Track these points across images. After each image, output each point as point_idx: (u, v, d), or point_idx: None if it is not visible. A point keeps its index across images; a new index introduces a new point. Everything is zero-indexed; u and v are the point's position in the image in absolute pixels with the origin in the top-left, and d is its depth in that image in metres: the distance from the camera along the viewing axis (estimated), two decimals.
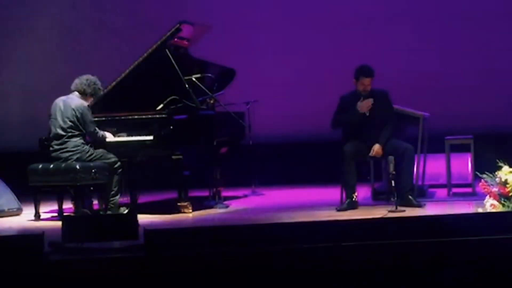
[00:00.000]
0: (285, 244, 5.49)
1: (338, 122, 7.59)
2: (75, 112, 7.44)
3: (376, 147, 7.39)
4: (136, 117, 7.69)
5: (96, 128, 7.51)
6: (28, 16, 10.54)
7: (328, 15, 10.34)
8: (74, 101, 7.52)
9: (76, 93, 7.58)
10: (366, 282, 5.26)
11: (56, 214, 7.69)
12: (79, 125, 7.45)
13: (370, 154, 7.40)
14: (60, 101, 7.57)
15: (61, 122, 7.48)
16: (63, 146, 7.45)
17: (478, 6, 10.12)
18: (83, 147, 7.46)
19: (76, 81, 7.60)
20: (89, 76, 7.61)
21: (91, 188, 7.50)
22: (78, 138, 7.46)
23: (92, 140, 7.54)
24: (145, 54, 7.85)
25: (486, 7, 10.11)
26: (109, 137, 7.62)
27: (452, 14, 10.20)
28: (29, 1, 10.54)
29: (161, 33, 7.88)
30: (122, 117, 7.74)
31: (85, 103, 7.53)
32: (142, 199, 8.20)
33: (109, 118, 7.76)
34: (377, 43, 10.14)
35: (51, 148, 7.51)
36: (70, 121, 7.45)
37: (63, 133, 7.46)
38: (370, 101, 7.43)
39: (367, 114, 7.48)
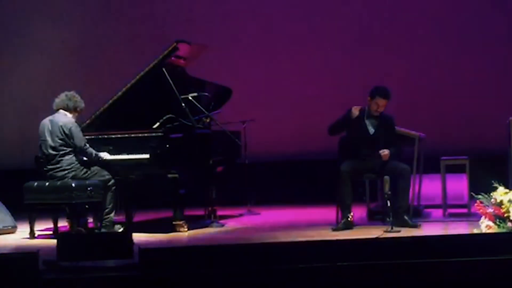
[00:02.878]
0: (280, 263, 5.48)
1: (335, 128, 7.53)
2: (64, 129, 7.44)
3: (386, 151, 7.37)
4: (132, 135, 7.69)
5: (87, 144, 7.50)
6: (28, 36, 10.57)
7: (326, 35, 10.38)
8: (61, 118, 7.52)
9: (61, 111, 7.59)
10: None
11: (51, 232, 7.68)
12: (69, 141, 7.45)
13: (380, 152, 7.36)
14: (47, 121, 7.57)
15: (50, 142, 7.47)
16: (57, 166, 7.44)
17: (476, 28, 10.18)
18: (77, 164, 7.45)
19: (56, 100, 7.63)
20: (67, 92, 7.64)
21: (86, 206, 7.48)
22: (71, 156, 7.46)
23: (83, 156, 7.52)
24: (142, 73, 7.87)
25: (484, 30, 10.16)
26: (106, 156, 7.61)
27: (450, 36, 10.25)
28: (29, 22, 10.57)
29: (158, 52, 7.90)
30: (119, 136, 7.74)
31: (73, 120, 7.54)
32: (137, 217, 8.19)
33: (105, 137, 7.76)
34: (375, 63, 10.18)
35: (45, 169, 7.50)
36: (60, 139, 7.44)
37: (54, 152, 7.45)
38: (358, 108, 7.42)
39: (371, 133, 7.49)
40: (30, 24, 10.59)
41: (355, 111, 7.39)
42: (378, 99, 7.46)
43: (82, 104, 7.65)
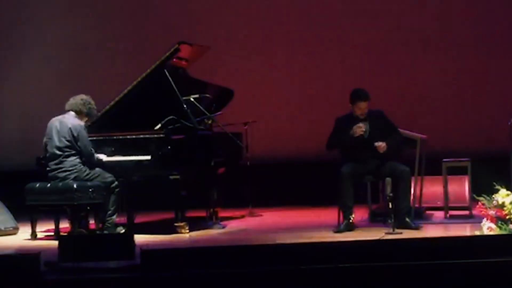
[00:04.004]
0: (282, 265, 5.48)
1: (333, 144, 7.58)
2: (72, 132, 7.45)
3: (382, 144, 7.36)
4: (134, 136, 7.69)
5: (93, 149, 7.51)
6: (28, 37, 10.59)
7: (327, 37, 10.39)
8: (70, 120, 7.53)
9: (72, 112, 7.59)
10: None
11: (52, 234, 7.67)
12: (75, 144, 7.45)
13: (376, 144, 7.35)
14: (56, 121, 7.57)
15: (57, 142, 7.47)
16: (60, 166, 7.44)
17: (477, 30, 10.18)
18: (80, 166, 7.45)
19: (71, 100, 7.62)
20: (83, 96, 7.63)
21: (88, 207, 7.48)
22: (74, 158, 7.46)
23: (87, 161, 7.53)
24: (144, 74, 7.87)
25: (485, 32, 10.17)
26: (103, 157, 7.61)
27: (450, 38, 10.25)
28: (30, 24, 10.59)
29: (159, 53, 7.90)
30: (120, 137, 7.74)
31: (82, 123, 7.55)
32: (139, 219, 8.19)
33: (107, 138, 7.76)
34: (375, 65, 10.18)
35: (48, 168, 7.51)
36: (67, 140, 7.45)
37: (59, 152, 7.46)
38: (362, 126, 7.41)
39: (365, 136, 7.50)
40: (32, 25, 10.60)
41: (359, 130, 7.37)
42: (359, 103, 7.47)
43: (95, 112, 7.68)
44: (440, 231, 7.30)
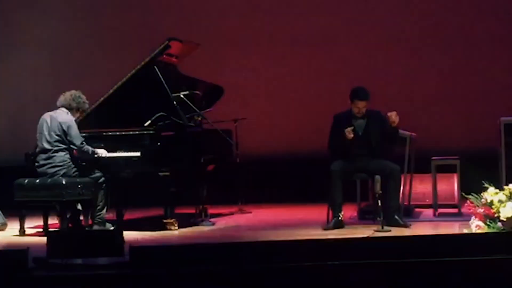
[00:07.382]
0: (271, 262, 5.48)
1: (334, 145, 7.54)
2: (62, 126, 7.46)
3: (393, 113, 7.31)
4: (123, 133, 7.68)
5: (84, 142, 7.50)
6: (18, 33, 10.55)
7: (318, 33, 10.38)
8: (61, 115, 7.54)
9: (63, 108, 7.60)
10: None
11: (41, 230, 7.66)
12: (65, 139, 7.45)
13: (388, 114, 7.33)
14: (47, 116, 7.59)
15: (47, 137, 7.48)
16: (49, 161, 7.44)
17: (466, 30, 10.20)
18: (69, 162, 7.45)
19: (61, 97, 7.64)
20: (73, 91, 7.66)
21: (78, 203, 7.47)
22: (64, 153, 7.46)
23: (80, 155, 7.53)
24: (134, 71, 7.86)
25: (474, 32, 10.19)
26: (103, 153, 7.58)
27: (441, 37, 10.27)
28: (19, 18, 10.55)
29: (150, 50, 7.89)
30: (110, 133, 7.73)
31: (72, 118, 7.55)
32: (128, 215, 8.18)
33: (97, 134, 7.75)
34: (367, 63, 10.18)
35: (37, 163, 7.50)
36: (57, 135, 7.46)
37: (49, 147, 7.46)
38: (350, 130, 7.36)
39: (360, 133, 7.49)
40: (20, 22, 10.55)
41: (349, 135, 7.34)
42: (357, 102, 7.46)
43: (86, 105, 7.69)
44: (429, 229, 7.31)
